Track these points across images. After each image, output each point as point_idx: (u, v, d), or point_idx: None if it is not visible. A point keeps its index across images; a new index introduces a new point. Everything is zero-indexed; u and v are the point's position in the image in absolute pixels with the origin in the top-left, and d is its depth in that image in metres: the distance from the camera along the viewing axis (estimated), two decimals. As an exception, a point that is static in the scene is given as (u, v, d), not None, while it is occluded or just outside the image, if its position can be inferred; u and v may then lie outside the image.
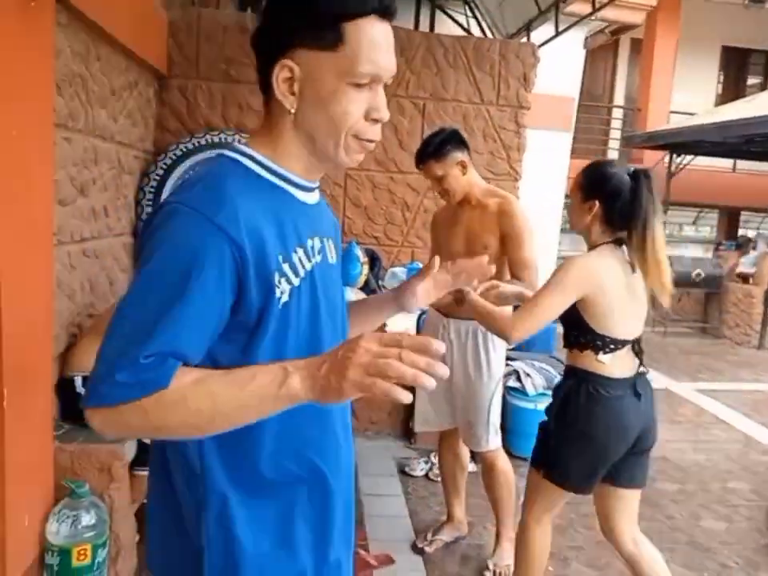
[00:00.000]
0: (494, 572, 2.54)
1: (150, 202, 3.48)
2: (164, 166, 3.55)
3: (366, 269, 3.75)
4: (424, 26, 5.24)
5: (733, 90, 13.07)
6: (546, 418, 2.06)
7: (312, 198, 0.99)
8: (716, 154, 9.65)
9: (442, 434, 2.81)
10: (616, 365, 1.89)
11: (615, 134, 12.70)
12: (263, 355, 0.87)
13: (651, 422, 1.98)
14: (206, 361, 0.86)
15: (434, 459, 3.51)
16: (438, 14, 5.25)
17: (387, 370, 0.73)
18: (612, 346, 1.88)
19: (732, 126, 7.89)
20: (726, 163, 11.31)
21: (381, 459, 3.61)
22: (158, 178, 3.52)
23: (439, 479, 3.27)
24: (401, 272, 3.94)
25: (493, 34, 5.20)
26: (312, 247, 0.95)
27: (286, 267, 0.88)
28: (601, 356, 1.88)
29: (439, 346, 0.75)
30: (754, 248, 9.12)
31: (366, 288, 3.77)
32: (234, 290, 0.83)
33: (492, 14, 5.13)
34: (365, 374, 0.74)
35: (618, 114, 12.91)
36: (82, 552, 2.13)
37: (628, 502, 2.05)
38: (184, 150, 3.59)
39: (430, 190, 4.19)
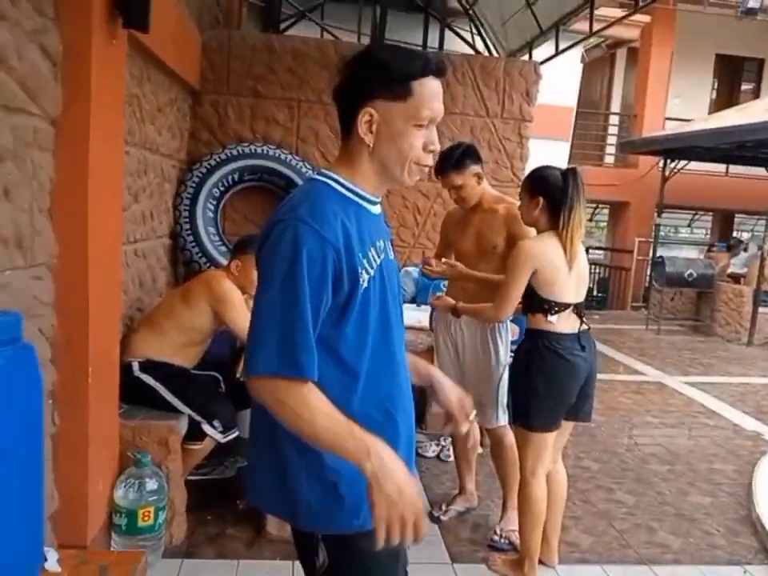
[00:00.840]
0: (501, 536, 2.86)
1: (187, 208, 3.81)
2: (199, 175, 3.89)
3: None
4: (432, 41, 5.59)
5: (727, 96, 13.44)
6: (512, 376, 2.57)
7: (376, 209, 1.32)
8: (709, 158, 9.99)
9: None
10: (562, 324, 2.38)
11: (612, 139, 13.05)
12: (351, 326, 1.19)
13: (594, 368, 2.48)
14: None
15: (444, 442, 3.83)
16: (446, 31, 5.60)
17: (404, 523, 1.07)
18: (557, 309, 2.37)
19: (724, 132, 8.24)
20: (719, 167, 11.66)
21: (395, 443, 3.93)
22: (193, 185, 3.86)
23: (450, 459, 3.60)
24: (413, 271, 4.28)
25: (497, 50, 5.55)
26: (379, 246, 1.28)
27: (365, 262, 1.20)
28: (549, 317, 2.38)
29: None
30: (745, 250, 9.48)
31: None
32: (333, 281, 1.16)
33: (496, 31, 5.48)
34: (391, 513, 1.06)
35: (614, 120, 13.26)
36: (146, 513, 2.46)
37: (564, 432, 2.60)
38: (218, 159, 3.93)
39: (439, 196, 4.54)
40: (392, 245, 1.39)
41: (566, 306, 2.38)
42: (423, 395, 3.80)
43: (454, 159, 2.73)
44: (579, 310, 2.44)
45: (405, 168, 1.22)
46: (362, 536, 1.17)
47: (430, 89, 1.19)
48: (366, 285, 1.20)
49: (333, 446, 1.11)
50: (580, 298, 2.45)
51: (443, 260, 2.88)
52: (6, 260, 1.82)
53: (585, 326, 2.45)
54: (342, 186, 1.24)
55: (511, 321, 2.82)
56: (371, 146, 1.21)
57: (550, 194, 2.37)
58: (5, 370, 0.91)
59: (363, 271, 1.19)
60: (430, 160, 1.25)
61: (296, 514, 1.24)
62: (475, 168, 2.75)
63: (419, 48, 5.99)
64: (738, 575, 2.75)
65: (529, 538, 2.51)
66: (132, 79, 2.85)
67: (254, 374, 1.12)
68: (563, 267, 2.35)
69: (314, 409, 1.11)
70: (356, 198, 1.25)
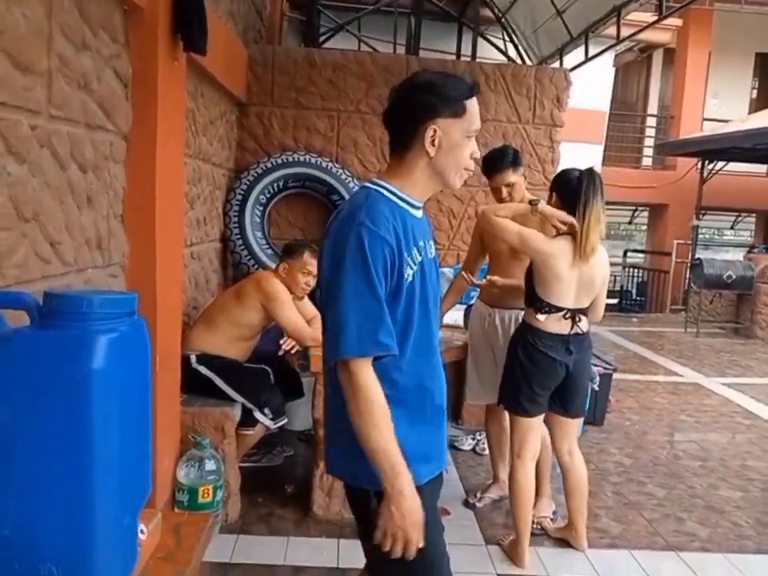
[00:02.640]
0: (533, 522, 3.00)
1: (236, 214, 4.08)
2: (247, 182, 4.15)
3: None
4: (465, 49, 5.77)
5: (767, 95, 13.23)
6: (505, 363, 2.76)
7: (419, 213, 1.52)
8: (748, 159, 9.88)
9: (488, 407, 3.29)
10: (550, 323, 2.54)
11: (649, 141, 12.97)
12: (397, 313, 1.39)
13: (580, 370, 2.63)
14: None
15: (479, 436, 3.98)
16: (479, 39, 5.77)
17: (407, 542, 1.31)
18: (547, 309, 2.53)
19: (763, 133, 8.18)
20: (760, 168, 11.49)
21: (432, 437, 4.09)
22: (242, 192, 4.12)
23: (485, 453, 3.75)
24: (448, 272, 4.45)
25: (529, 56, 5.69)
26: (421, 246, 1.47)
27: (409, 260, 1.40)
28: (539, 315, 2.54)
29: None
30: (787, 251, 9.34)
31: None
32: (388, 273, 1.36)
33: (528, 38, 5.62)
34: (395, 531, 1.30)
35: (651, 122, 13.18)
36: (206, 491, 2.68)
37: (563, 425, 2.74)
38: (264, 168, 4.19)
39: (472, 199, 4.71)
40: (435, 243, 1.60)
41: (559, 309, 2.54)
42: (460, 392, 3.98)
43: (511, 157, 2.93)
44: (575, 315, 2.56)
45: (458, 173, 1.45)
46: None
47: (476, 106, 1.43)
48: (410, 279, 1.40)
49: (374, 448, 1.31)
50: (580, 304, 2.57)
51: (487, 279, 3.02)
52: (89, 259, 2.07)
53: (578, 331, 2.57)
54: (392, 193, 1.44)
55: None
56: (433, 157, 1.41)
57: (564, 192, 2.55)
58: (127, 335, 1.13)
59: (408, 267, 1.39)
60: (473, 165, 1.47)
61: (356, 476, 1.45)
62: (523, 168, 2.97)
63: (453, 56, 6.18)
64: (765, 564, 2.83)
65: (516, 516, 2.70)
66: (188, 95, 3.11)
67: (339, 356, 1.31)
68: (565, 276, 2.50)
69: (378, 408, 1.31)
70: (402, 204, 1.45)
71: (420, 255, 1.45)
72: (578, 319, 2.58)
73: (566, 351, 2.57)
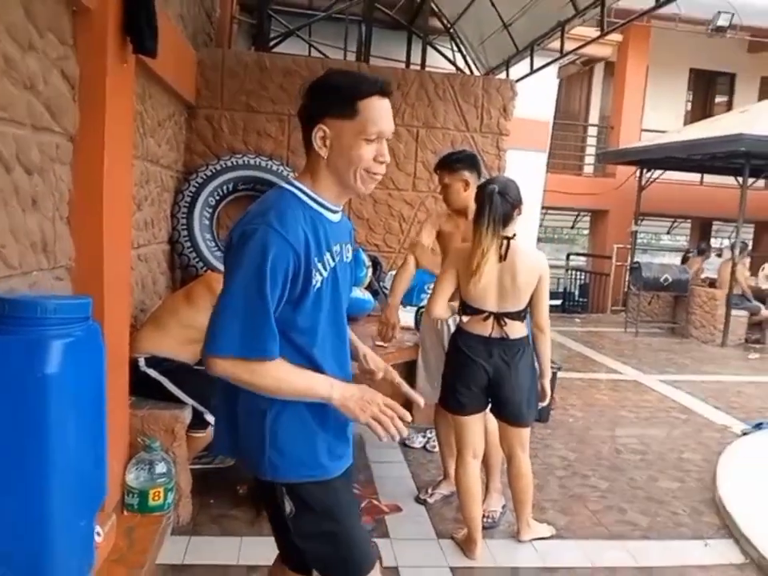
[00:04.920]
0: (484, 515, 3.08)
1: (184, 216, 4.04)
2: (196, 185, 4.12)
3: (369, 272, 4.33)
4: (415, 58, 5.88)
5: (701, 108, 13.88)
6: None
7: (336, 217, 1.49)
8: (683, 168, 10.34)
9: (438, 405, 3.36)
10: (473, 325, 2.67)
11: (591, 150, 13.43)
12: (301, 316, 1.38)
13: (505, 374, 2.66)
14: None
15: (430, 434, 4.05)
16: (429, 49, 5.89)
17: (380, 417, 1.37)
18: (469, 311, 2.67)
19: (696, 144, 8.59)
20: (694, 177, 12.04)
21: (383, 437, 4.14)
22: (190, 194, 4.09)
23: (435, 450, 3.82)
24: (399, 275, 4.52)
25: (477, 66, 5.85)
26: (335, 251, 1.46)
27: (319, 265, 1.37)
28: (464, 317, 2.69)
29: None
30: (719, 255, 9.83)
31: (369, 288, 4.35)
32: (291, 279, 1.33)
33: (475, 49, 5.77)
34: (367, 414, 1.36)
35: (592, 131, 13.65)
36: (156, 494, 2.65)
37: (503, 429, 2.83)
38: (213, 170, 4.17)
39: (422, 204, 4.81)
40: (355, 243, 1.61)
41: (479, 311, 2.64)
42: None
43: (450, 160, 3.03)
44: (497, 318, 2.64)
45: (357, 176, 1.38)
46: (314, 484, 1.45)
47: (376, 107, 1.36)
48: (318, 285, 1.38)
49: (304, 395, 1.38)
50: (504, 308, 2.64)
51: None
52: (34, 262, 2.04)
53: (502, 335, 2.65)
54: (306, 195, 1.41)
55: None
56: (326, 158, 1.38)
57: (476, 204, 2.65)
58: (81, 341, 1.14)
59: (317, 273, 1.37)
60: (382, 169, 1.40)
61: (259, 468, 1.45)
62: (466, 174, 3.02)
63: (402, 64, 6.28)
64: (700, 548, 2.99)
65: (462, 512, 2.82)
66: (137, 97, 3.08)
67: (213, 354, 1.31)
68: (477, 274, 2.57)
69: (278, 377, 1.34)
70: (317, 207, 1.42)
71: (333, 260, 1.44)
72: (503, 323, 2.64)
73: (487, 354, 2.65)
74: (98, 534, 1.54)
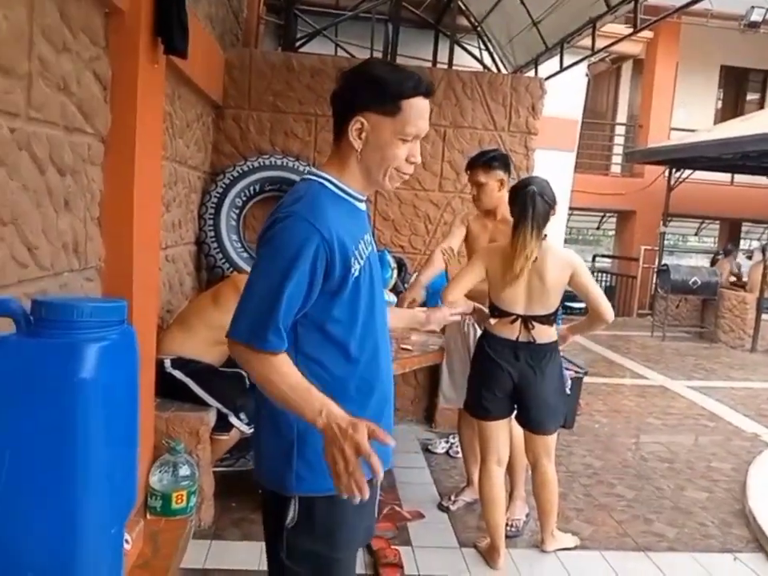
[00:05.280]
0: (507, 523, 3.05)
1: (211, 216, 4.05)
2: (223, 185, 4.13)
3: (395, 274, 4.30)
4: (442, 57, 5.83)
5: (732, 106, 13.62)
6: None
7: (363, 206, 1.48)
8: (713, 168, 10.15)
9: (461, 410, 3.33)
10: (500, 327, 2.64)
11: (618, 149, 13.25)
12: (339, 308, 1.33)
13: (530, 380, 2.62)
14: (297, 313, 1.30)
15: (453, 439, 4.02)
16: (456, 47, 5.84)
17: (348, 462, 1.19)
18: (497, 313, 2.64)
19: (728, 143, 8.41)
20: (724, 177, 11.82)
21: (406, 440, 4.11)
22: (217, 195, 4.10)
23: (458, 456, 3.79)
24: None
25: (504, 65, 5.78)
26: (366, 240, 1.44)
27: (356, 253, 1.34)
28: (491, 319, 2.66)
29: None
30: (750, 257, 9.63)
31: (394, 290, 4.32)
32: (323, 269, 1.28)
33: (503, 47, 5.71)
34: (340, 453, 1.19)
35: (620, 130, 13.46)
36: (179, 497, 2.66)
37: (528, 437, 2.78)
38: (240, 171, 4.17)
39: (449, 205, 4.76)
40: (373, 236, 1.54)
41: (507, 314, 2.61)
42: (434, 395, 4.02)
43: (486, 158, 2.99)
44: (525, 321, 2.59)
45: (387, 174, 1.36)
46: (327, 499, 1.35)
47: (418, 108, 1.32)
48: (357, 274, 1.34)
49: (293, 408, 1.27)
50: (532, 311, 2.59)
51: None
52: (65, 263, 2.05)
53: (529, 339, 2.60)
54: (334, 185, 1.37)
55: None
56: (359, 151, 1.34)
57: (511, 206, 2.60)
58: (116, 344, 1.13)
59: (355, 262, 1.33)
60: (411, 169, 1.39)
61: (284, 481, 1.39)
62: (501, 174, 2.99)
63: (429, 63, 6.24)
64: (729, 562, 2.93)
65: (486, 521, 2.77)
66: (166, 98, 3.09)
67: (231, 337, 1.29)
68: (506, 277, 2.55)
69: (279, 376, 1.27)
70: (345, 196, 1.39)
71: (367, 249, 1.41)
72: (530, 326, 2.60)
73: (514, 358, 2.62)
74: (127, 541, 1.54)
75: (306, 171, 1.49)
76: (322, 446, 1.27)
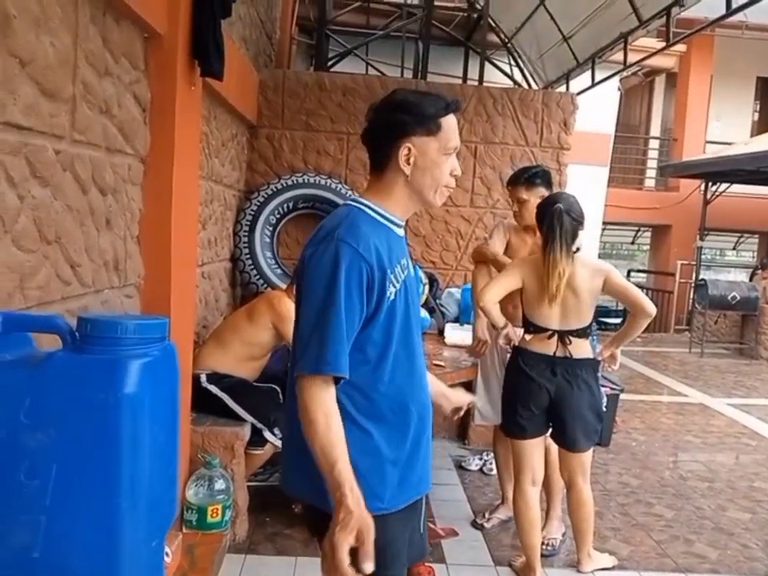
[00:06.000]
0: (543, 542, 2.99)
1: (246, 234, 4.12)
2: (257, 203, 4.21)
3: (426, 289, 4.31)
4: (472, 73, 5.86)
5: (770, 118, 13.35)
6: None
7: (401, 232, 1.51)
8: (751, 181, 9.94)
9: (496, 427, 3.30)
10: (536, 343, 2.60)
11: (652, 163, 13.07)
12: (376, 330, 1.36)
13: (567, 395, 2.57)
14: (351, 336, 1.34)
15: (486, 456, 3.98)
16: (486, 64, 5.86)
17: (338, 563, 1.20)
18: (532, 329, 2.61)
19: (765, 156, 8.24)
20: (763, 190, 11.56)
21: (439, 457, 4.07)
22: (252, 213, 4.18)
23: (492, 473, 3.75)
24: (456, 292, 4.49)
25: (535, 81, 5.78)
26: (403, 264, 1.46)
27: (392, 277, 1.36)
28: (526, 335, 2.64)
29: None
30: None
31: (425, 305, 4.32)
32: (366, 291, 1.32)
33: (534, 63, 5.72)
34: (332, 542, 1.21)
35: (654, 144, 13.29)
36: (214, 510, 2.69)
37: (563, 455, 2.72)
38: (274, 189, 4.25)
39: (480, 221, 4.76)
40: (412, 259, 1.57)
41: (542, 329, 2.58)
42: (468, 412, 3.98)
43: (528, 175, 3.00)
44: (562, 337, 2.57)
45: (437, 192, 1.43)
46: (376, 518, 1.30)
47: (453, 123, 1.42)
48: (392, 297, 1.37)
49: (323, 458, 1.26)
50: (568, 326, 2.57)
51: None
52: (106, 280, 2.11)
53: (566, 354, 2.57)
54: (374, 211, 1.42)
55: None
56: (409, 175, 1.40)
57: (539, 223, 2.60)
58: (158, 360, 1.17)
59: (390, 285, 1.36)
60: (454, 183, 1.46)
61: (321, 497, 1.34)
62: (543, 191, 2.99)
63: (459, 80, 6.27)
64: (776, 586, 2.83)
65: (521, 540, 2.72)
66: (203, 119, 3.17)
67: (300, 373, 1.29)
68: (542, 294, 2.52)
69: (330, 422, 1.27)
70: (385, 222, 1.43)
71: (403, 273, 1.43)
72: (567, 341, 2.57)
73: (551, 373, 2.58)
74: (167, 554, 1.56)
75: (348, 197, 1.50)
76: (367, 467, 1.32)
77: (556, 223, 2.49)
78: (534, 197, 2.98)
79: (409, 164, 1.38)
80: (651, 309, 2.56)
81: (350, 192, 4.37)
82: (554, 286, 2.49)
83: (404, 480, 1.43)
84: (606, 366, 2.79)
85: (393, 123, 1.39)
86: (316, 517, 1.42)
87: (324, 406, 1.28)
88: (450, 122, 1.41)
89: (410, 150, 1.37)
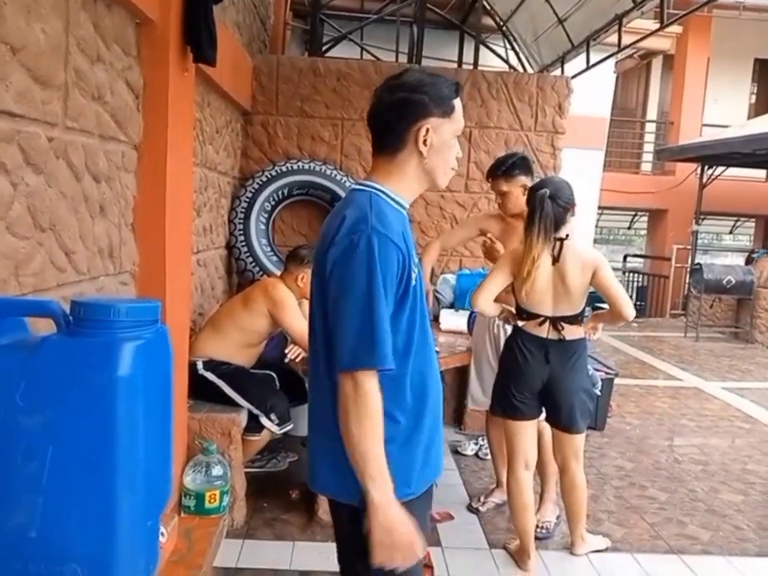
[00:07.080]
0: (537, 525, 3.03)
1: (241, 221, 4.12)
2: (252, 190, 4.19)
3: (422, 275, 4.31)
4: (467, 57, 5.83)
5: (767, 100, 13.29)
6: None
7: (407, 213, 1.51)
8: (747, 164, 9.93)
9: (488, 412, 3.32)
10: (530, 325, 2.63)
11: (649, 147, 13.04)
12: (404, 316, 1.35)
13: (559, 378, 2.61)
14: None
15: (482, 441, 4.01)
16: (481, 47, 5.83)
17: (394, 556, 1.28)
18: (525, 315, 2.64)
19: (762, 138, 8.22)
20: (759, 173, 11.56)
21: (435, 442, 4.12)
22: (247, 200, 4.17)
23: (487, 458, 3.78)
24: (451, 278, 4.49)
25: (530, 64, 5.75)
26: (414, 247, 1.47)
27: (414, 262, 1.40)
28: (519, 321, 2.68)
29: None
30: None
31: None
32: (397, 279, 1.32)
33: (529, 46, 5.68)
34: (383, 541, 1.26)
35: (650, 127, 13.25)
36: (212, 496, 2.71)
37: (557, 437, 2.76)
38: (268, 176, 4.24)
39: (475, 206, 4.76)
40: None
41: (535, 315, 2.61)
42: (463, 397, 4.02)
43: (506, 167, 2.97)
44: (554, 323, 2.59)
45: (446, 173, 1.44)
46: (406, 503, 1.33)
47: (460, 105, 1.45)
48: (414, 282, 1.37)
49: (361, 457, 1.27)
50: (560, 312, 2.59)
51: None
52: (101, 267, 2.11)
53: (558, 337, 2.60)
54: (389, 197, 1.40)
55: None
56: (425, 156, 1.38)
57: (528, 211, 2.60)
58: (151, 343, 1.18)
59: (414, 269, 1.37)
60: (457, 165, 1.48)
61: (349, 491, 1.34)
62: (523, 179, 2.97)
63: (454, 64, 6.24)
64: (766, 567, 2.87)
65: (514, 524, 2.76)
66: (196, 105, 3.15)
67: (343, 370, 1.28)
68: (528, 280, 2.53)
69: (378, 417, 1.27)
70: (399, 207, 1.42)
71: (417, 257, 1.44)
72: (560, 327, 2.59)
73: (543, 355, 2.61)
74: (162, 534, 1.59)
75: (356, 182, 1.49)
76: (396, 455, 1.32)
77: (537, 207, 2.50)
78: (514, 187, 2.97)
79: (426, 145, 1.37)
80: (628, 313, 2.56)
81: (344, 178, 4.36)
82: (525, 270, 2.51)
83: (425, 464, 1.43)
84: (588, 335, 2.79)
85: (412, 103, 1.36)
86: (349, 513, 1.39)
87: (378, 401, 1.28)
88: (459, 104, 1.43)
89: (428, 131, 1.36)
